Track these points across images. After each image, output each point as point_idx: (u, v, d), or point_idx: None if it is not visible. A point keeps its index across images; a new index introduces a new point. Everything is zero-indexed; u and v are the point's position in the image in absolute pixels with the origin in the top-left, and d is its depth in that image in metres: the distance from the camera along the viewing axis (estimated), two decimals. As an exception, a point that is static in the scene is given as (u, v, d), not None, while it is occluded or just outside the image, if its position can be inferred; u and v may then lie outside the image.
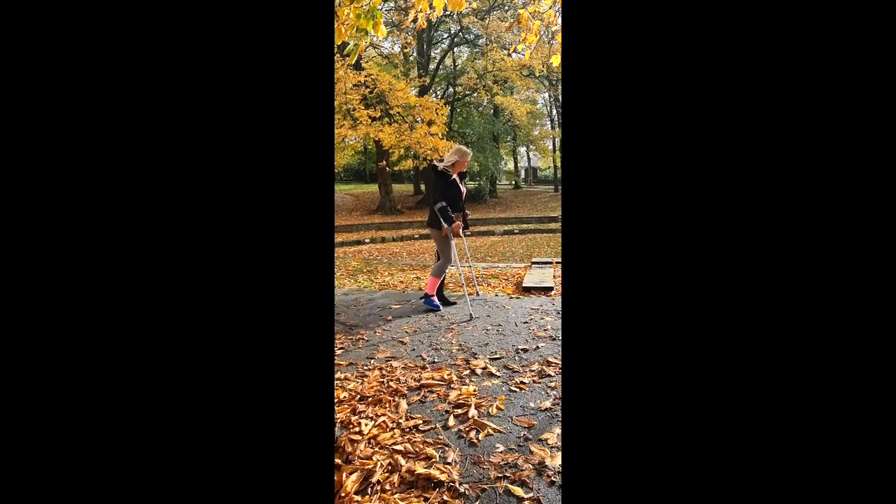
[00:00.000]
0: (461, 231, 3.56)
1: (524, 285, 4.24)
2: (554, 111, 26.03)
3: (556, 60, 3.55)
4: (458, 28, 19.16)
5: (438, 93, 20.88)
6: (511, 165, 29.47)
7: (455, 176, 3.53)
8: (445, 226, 3.48)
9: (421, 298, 3.76)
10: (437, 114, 12.73)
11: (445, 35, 21.06)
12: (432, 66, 19.44)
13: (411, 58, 18.76)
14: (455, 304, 3.72)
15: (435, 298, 3.62)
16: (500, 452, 1.59)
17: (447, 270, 3.75)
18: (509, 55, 16.04)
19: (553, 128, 25.53)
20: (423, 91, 17.32)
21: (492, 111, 21.22)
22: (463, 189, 3.60)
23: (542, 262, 5.75)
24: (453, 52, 21.06)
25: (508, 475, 1.46)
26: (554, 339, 2.75)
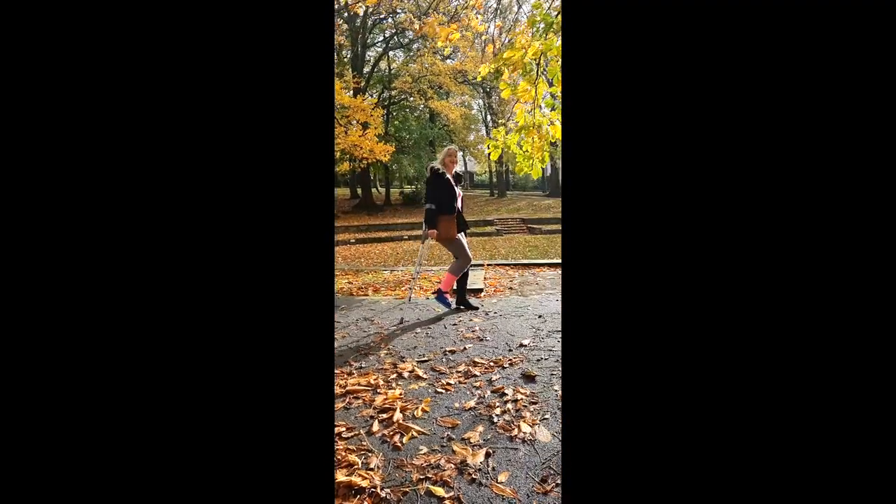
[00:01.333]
0: (453, 234, 3.48)
1: (454, 288, 4.29)
2: (488, 117, 26.66)
3: (483, 70, 3.65)
4: (394, 31, 19.11)
5: (374, 95, 20.69)
6: (447, 169, 29.72)
7: (449, 176, 3.50)
8: (425, 228, 3.46)
9: (433, 293, 3.67)
10: (372, 116, 12.60)
11: (380, 38, 20.93)
12: (367, 69, 19.24)
13: (345, 59, 18.44)
14: (477, 308, 3.60)
15: (448, 296, 3.57)
16: (424, 454, 1.60)
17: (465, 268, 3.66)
18: (443, 60, 16.24)
19: (487, 134, 26.14)
20: (357, 93, 17.10)
21: (428, 116, 21.36)
22: (458, 191, 3.54)
23: (473, 265, 5.87)
24: (388, 56, 20.98)
25: (430, 476, 1.47)
26: (481, 340, 2.81)
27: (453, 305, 3.60)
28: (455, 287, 3.64)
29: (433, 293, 3.75)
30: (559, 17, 3.43)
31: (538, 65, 3.64)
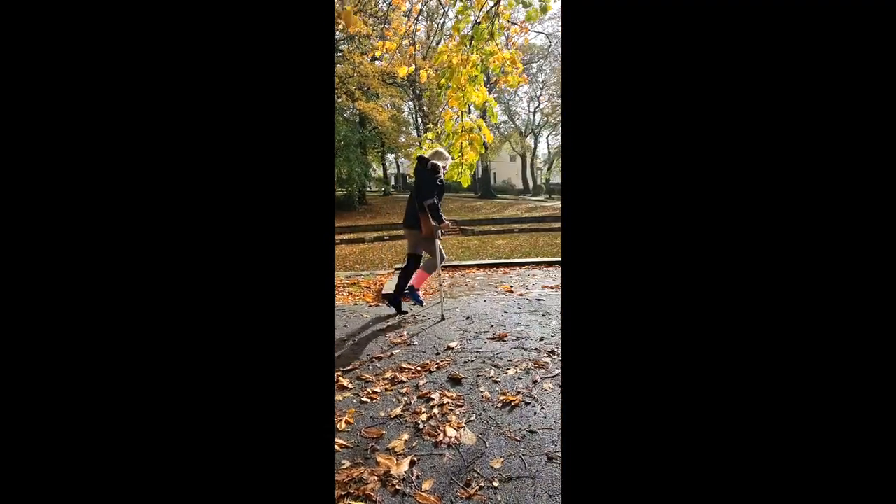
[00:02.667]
0: (440, 232, 3.39)
1: (384, 292, 4.23)
2: (419, 120, 26.72)
3: (423, 75, 3.61)
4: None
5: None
6: (380, 172, 29.47)
7: (442, 175, 3.40)
8: (434, 223, 3.27)
9: (406, 291, 3.55)
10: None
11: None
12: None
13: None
14: (406, 313, 3.56)
15: (420, 293, 3.55)
16: (346, 469, 1.54)
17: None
18: (371, 61, 16.03)
19: (418, 135, 26.19)
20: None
21: (358, 118, 21.00)
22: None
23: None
24: (314, 55, 20.29)
25: (352, 491, 1.42)
26: (409, 345, 2.79)
27: (406, 307, 3.60)
28: (404, 287, 3.58)
29: (405, 291, 3.63)
30: (481, 25, 3.49)
31: (480, 70, 3.67)
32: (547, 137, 34.20)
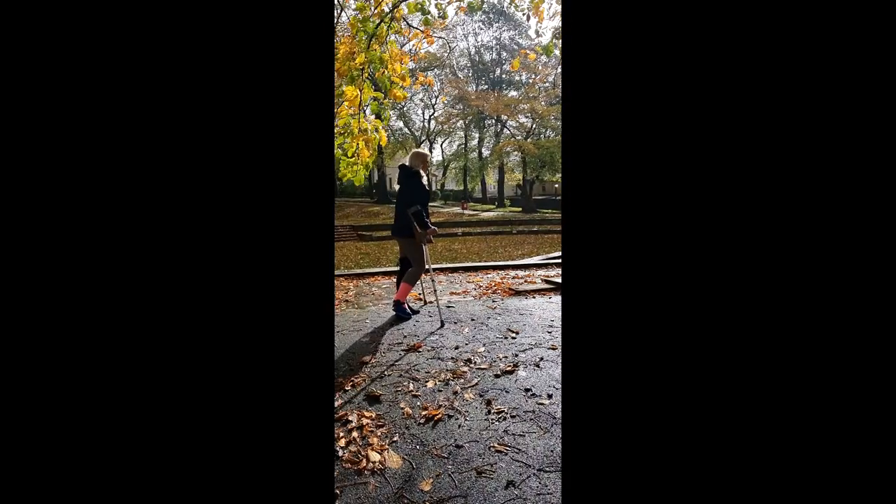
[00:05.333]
0: (423, 239, 3.25)
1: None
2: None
3: None
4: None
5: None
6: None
7: (425, 179, 3.27)
8: (419, 230, 3.17)
9: (393, 308, 3.44)
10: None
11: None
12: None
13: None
14: (418, 312, 3.53)
15: (406, 307, 3.44)
16: None
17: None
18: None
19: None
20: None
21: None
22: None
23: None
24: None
25: None
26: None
27: (411, 314, 3.46)
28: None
29: (392, 308, 3.51)
30: (381, 25, 3.42)
31: (363, 71, 3.58)
32: (441, 145, 35.04)
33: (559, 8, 3.90)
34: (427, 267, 3.40)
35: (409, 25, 4.91)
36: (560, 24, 3.89)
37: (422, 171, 3.31)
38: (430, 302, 3.93)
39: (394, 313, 3.48)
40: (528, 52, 4.37)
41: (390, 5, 3.80)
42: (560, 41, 3.74)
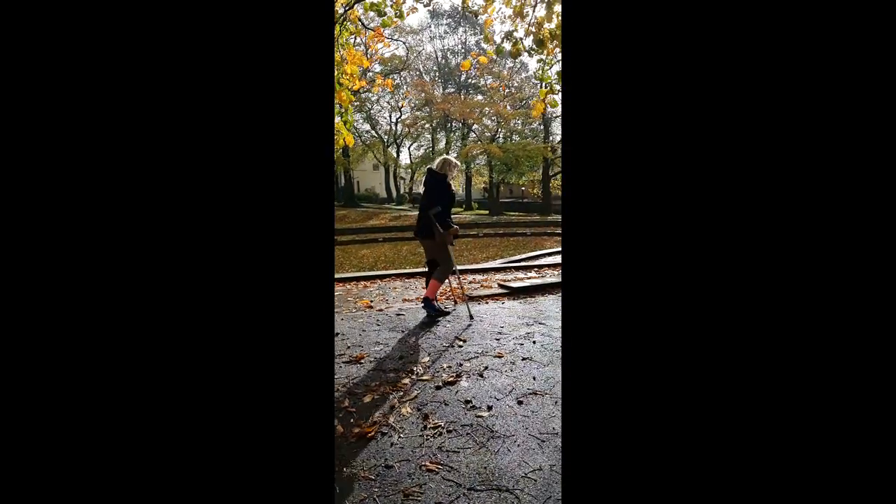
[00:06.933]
0: (450, 240, 3.36)
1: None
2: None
3: None
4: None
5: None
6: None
7: (452, 182, 3.41)
8: (440, 231, 3.26)
9: (421, 304, 3.54)
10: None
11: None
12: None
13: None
14: (448, 313, 3.56)
15: (436, 303, 3.48)
16: None
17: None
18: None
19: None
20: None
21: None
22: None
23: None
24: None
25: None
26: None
27: (445, 308, 3.60)
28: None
29: (420, 304, 3.64)
30: (336, 26, 3.31)
31: None
32: (409, 148, 34.93)
33: (509, 11, 3.89)
34: (453, 268, 3.54)
35: (365, 27, 4.81)
36: (510, 28, 3.88)
37: (450, 176, 3.47)
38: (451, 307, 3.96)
39: (426, 312, 3.55)
40: (479, 54, 4.35)
41: (343, 7, 3.71)
42: (509, 44, 3.72)
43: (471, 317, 3.43)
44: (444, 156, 3.64)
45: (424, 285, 3.79)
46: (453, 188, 3.50)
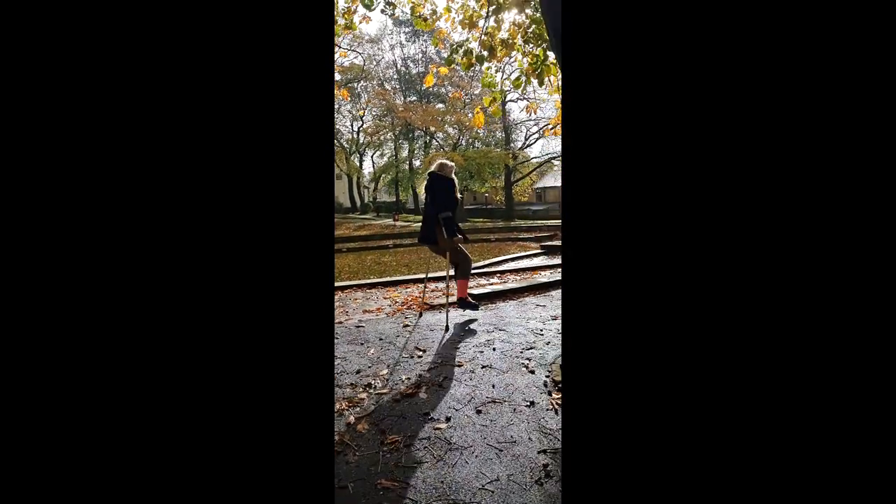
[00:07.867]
0: (457, 241, 3.30)
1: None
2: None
3: None
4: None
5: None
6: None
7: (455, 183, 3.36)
8: (446, 236, 3.19)
9: (457, 305, 3.59)
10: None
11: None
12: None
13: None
14: (478, 307, 3.63)
15: (470, 300, 3.53)
16: None
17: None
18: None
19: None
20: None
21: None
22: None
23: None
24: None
25: None
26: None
27: (479, 305, 3.64)
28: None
29: (456, 305, 3.66)
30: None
31: None
32: (372, 157, 34.70)
33: (461, 17, 3.92)
34: (447, 273, 3.60)
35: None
36: (462, 38, 3.91)
37: (454, 179, 3.40)
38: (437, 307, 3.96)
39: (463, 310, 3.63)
40: (439, 65, 4.36)
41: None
42: (459, 56, 3.74)
43: (447, 328, 3.36)
44: (441, 160, 3.57)
45: (446, 290, 3.83)
46: (458, 190, 3.45)
